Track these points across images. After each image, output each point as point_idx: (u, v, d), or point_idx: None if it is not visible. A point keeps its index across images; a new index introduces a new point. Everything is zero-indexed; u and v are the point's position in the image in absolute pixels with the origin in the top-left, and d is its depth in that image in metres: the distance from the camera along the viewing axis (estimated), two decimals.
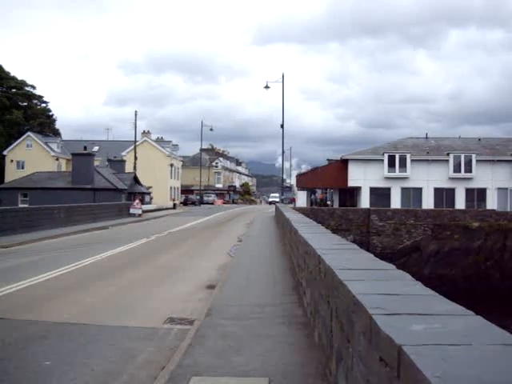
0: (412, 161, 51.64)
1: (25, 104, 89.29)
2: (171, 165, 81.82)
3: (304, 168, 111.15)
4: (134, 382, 6.59)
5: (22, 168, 74.11)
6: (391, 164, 51.77)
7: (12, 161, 77.09)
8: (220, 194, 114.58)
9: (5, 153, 77.39)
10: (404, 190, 51.77)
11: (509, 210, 45.99)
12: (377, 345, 2.90)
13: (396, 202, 50.67)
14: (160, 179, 76.60)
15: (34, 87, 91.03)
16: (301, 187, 58.97)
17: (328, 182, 55.49)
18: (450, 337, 2.61)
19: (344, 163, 53.38)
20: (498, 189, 50.98)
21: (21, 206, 44.28)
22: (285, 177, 68.92)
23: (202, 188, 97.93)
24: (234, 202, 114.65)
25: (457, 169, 51.42)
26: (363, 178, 52.02)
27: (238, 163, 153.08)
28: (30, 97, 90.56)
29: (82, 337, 8.51)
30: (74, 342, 8.25)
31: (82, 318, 9.77)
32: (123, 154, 77.80)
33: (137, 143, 71.01)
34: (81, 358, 7.40)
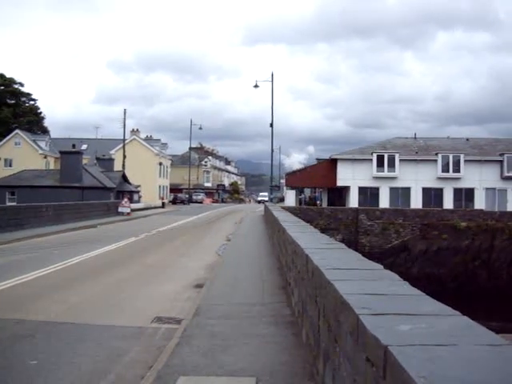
0: (401, 161, 51.83)
1: (13, 102, 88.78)
2: (160, 163, 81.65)
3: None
4: (121, 382, 6.56)
5: (10, 166, 73.70)
6: (380, 164, 51.93)
7: (0, 159, 76.60)
8: (209, 192, 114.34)
9: None
10: (392, 190, 51.94)
11: (496, 210, 46.19)
12: (363, 345, 2.90)
13: (384, 202, 50.83)
14: (149, 178, 76.43)
15: (22, 85, 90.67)
16: (290, 186, 59.02)
17: (317, 181, 55.56)
18: (437, 337, 2.61)
19: (333, 163, 53.48)
20: (486, 189, 51.28)
21: (8, 204, 44.04)
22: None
23: (191, 187, 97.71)
24: (223, 201, 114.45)
25: (445, 169, 51.66)
26: (352, 177, 52.15)
27: (227, 162, 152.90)
28: (19, 94, 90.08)
29: (69, 336, 8.47)
30: (61, 341, 8.21)
31: (69, 317, 9.72)
32: (112, 152, 77.52)
33: (126, 142, 70.81)
34: (68, 358, 7.36)
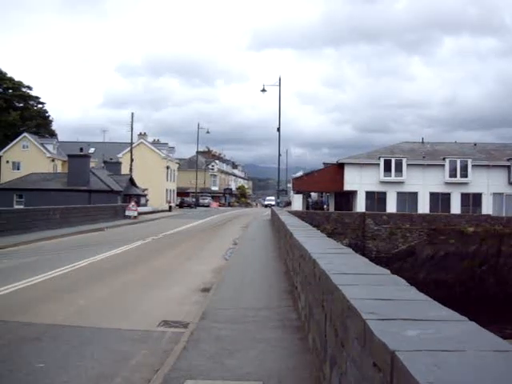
0: (408, 165, 51.74)
1: (21, 105, 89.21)
2: (167, 167, 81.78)
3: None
4: None
5: (18, 169, 73.95)
6: (387, 168, 51.86)
7: (8, 162, 76.91)
8: (216, 196, 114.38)
9: (0, 154, 77.22)
10: (400, 195, 51.85)
11: (504, 215, 46.04)
12: (370, 350, 2.89)
13: (392, 207, 50.75)
14: (156, 181, 76.53)
15: (30, 88, 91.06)
16: (297, 191, 59.01)
17: (324, 185, 55.53)
18: (444, 343, 2.61)
19: (340, 167, 53.45)
20: (494, 194, 51.12)
21: (16, 207, 44.17)
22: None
23: (198, 190, 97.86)
24: (229, 205, 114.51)
25: (452, 174, 51.54)
26: (359, 181, 52.10)
27: (234, 166, 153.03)
28: (27, 98, 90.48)
29: (76, 339, 8.49)
30: (68, 344, 8.22)
31: (76, 320, 9.74)
32: (119, 155, 77.72)
33: (133, 145, 70.95)
34: (74, 361, 7.37)
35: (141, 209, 53.64)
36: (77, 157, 55.36)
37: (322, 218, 39.59)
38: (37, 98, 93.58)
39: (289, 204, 71.58)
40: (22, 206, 43.11)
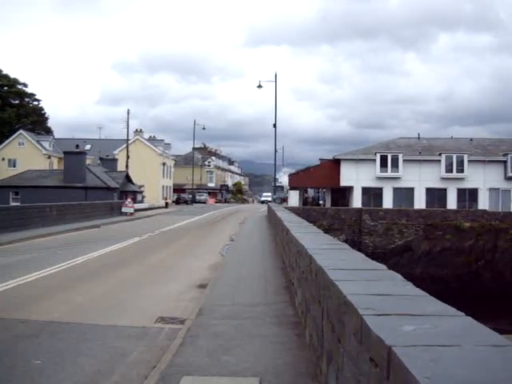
0: (404, 161, 51.75)
1: (17, 102, 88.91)
2: (163, 163, 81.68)
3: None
4: (125, 382, 6.56)
5: (14, 166, 73.76)
6: (383, 164, 51.86)
7: (4, 159, 76.69)
8: (212, 193, 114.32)
9: None
10: (396, 190, 51.88)
11: (500, 210, 46.16)
12: (367, 345, 2.89)
13: (388, 202, 50.78)
14: (152, 178, 76.44)
15: (26, 85, 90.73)
16: (293, 187, 58.97)
17: (320, 181, 55.51)
18: (440, 338, 2.61)
19: (336, 163, 53.44)
20: (490, 189, 51.18)
21: (12, 204, 44.11)
22: (277, 176, 68.99)
23: (195, 187, 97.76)
24: (226, 201, 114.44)
25: (449, 169, 51.57)
26: (355, 177, 52.11)
27: (231, 162, 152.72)
28: (22, 95, 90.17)
29: (73, 336, 8.48)
30: (65, 341, 8.21)
31: (73, 317, 9.73)
32: (115, 152, 77.57)
33: (129, 142, 70.81)
34: (71, 358, 7.36)
35: (137, 205, 53.57)
36: (73, 154, 55.27)
37: (319, 214, 39.63)
38: (32, 95, 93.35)
39: (285, 200, 71.54)
40: (18, 203, 43.08)
